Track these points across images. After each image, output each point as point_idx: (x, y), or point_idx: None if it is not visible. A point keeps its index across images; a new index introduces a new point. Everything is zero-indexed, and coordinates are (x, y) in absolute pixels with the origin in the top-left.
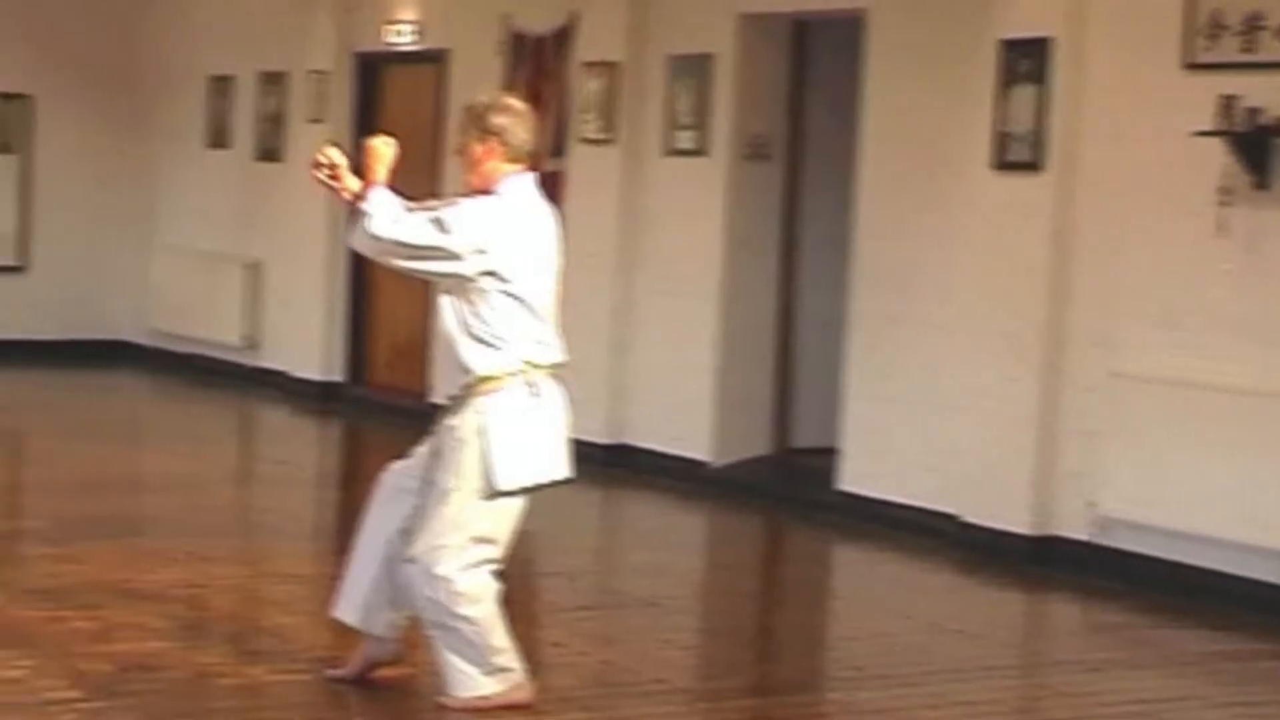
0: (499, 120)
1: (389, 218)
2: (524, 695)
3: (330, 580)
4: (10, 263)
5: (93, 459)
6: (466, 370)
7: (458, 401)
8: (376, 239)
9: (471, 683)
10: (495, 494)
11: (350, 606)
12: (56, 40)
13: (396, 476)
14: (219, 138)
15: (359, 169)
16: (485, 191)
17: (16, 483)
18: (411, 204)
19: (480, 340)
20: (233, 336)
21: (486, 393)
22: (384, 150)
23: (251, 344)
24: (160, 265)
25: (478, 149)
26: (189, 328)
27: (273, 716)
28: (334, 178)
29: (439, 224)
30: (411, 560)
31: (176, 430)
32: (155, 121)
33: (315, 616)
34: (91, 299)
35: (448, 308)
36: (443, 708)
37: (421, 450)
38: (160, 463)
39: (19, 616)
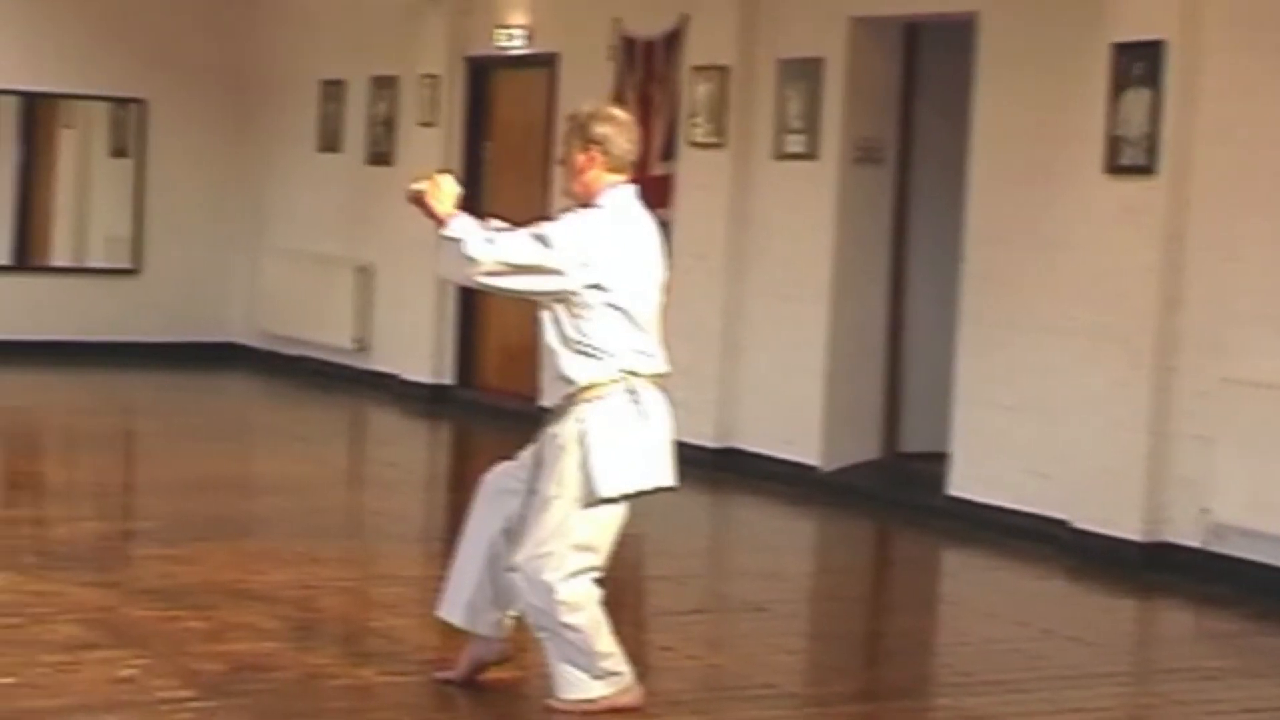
0: (601, 130)
1: (481, 239)
2: (632, 698)
3: (440, 582)
4: (124, 265)
5: (204, 460)
6: (568, 380)
7: (559, 410)
8: (473, 262)
9: (581, 686)
10: (596, 501)
11: (455, 607)
12: (170, 45)
13: (500, 477)
14: (330, 141)
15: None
16: (587, 201)
17: (129, 484)
18: (497, 225)
19: (581, 352)
20: (343, 339)
21: (587, 400)
22: (447, 186)
23: (362, 346)
24: (271, 268)
25: (579, 158)
26: (300, 330)
27: (382, 717)
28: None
29: (541, 240)
30: (514, 568)
31: (287, 432)
32: (267, 125)
33: (425, 618)
34: (203, 302)
35: (548, 321)
36: (551, 710)
37: (526, 455)
38: (271, 464)
39: (132, 616)
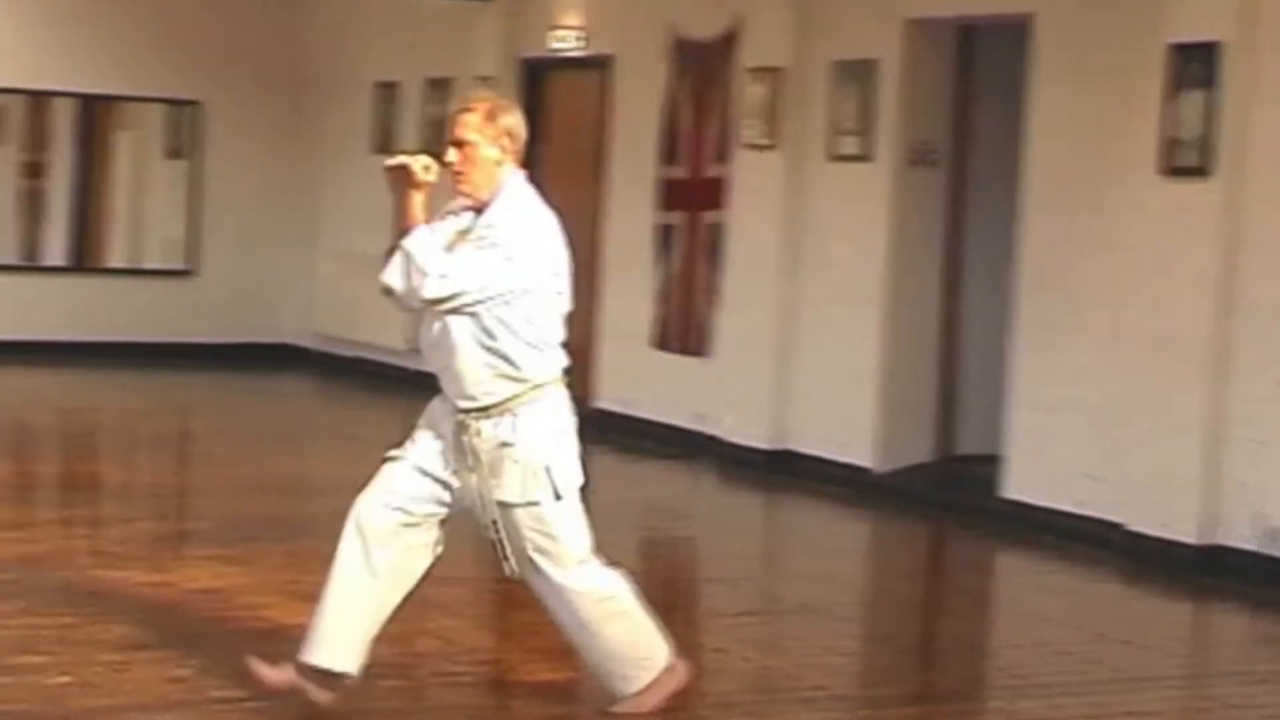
0: (509, 120)
1: (439, 272)
2: (676, 679)
3: (493, 583)
4: (179, 267)
5: (259, 461)
6: (516, 378)
7: (499, 412)
8: (422, 291)
9: (633, 679)
10: (567, 494)
11: (336, 651)
12: (225, 48)
13: (382, 511)
14: (384, 143)
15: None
16: (488, 195)
17: (184, 485)
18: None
19: (531, 344)
20: (396, 340)
21: (533, 400)
22: (423, 175)
23: (415, 348)
24: (326, 269)
25: (491, 151)
26: (354, 331)
27: (434, 718)
28: (412, 184)
29: (494, 252)
30: (560, 585)
31: (341, 433)
32: (322, 127)
33: (477, 619)
34: (258, 303)
35: (495, 324)
36: (604, 713)
37: (414, 479)
38: (325, 465)
39: (186, 616)
